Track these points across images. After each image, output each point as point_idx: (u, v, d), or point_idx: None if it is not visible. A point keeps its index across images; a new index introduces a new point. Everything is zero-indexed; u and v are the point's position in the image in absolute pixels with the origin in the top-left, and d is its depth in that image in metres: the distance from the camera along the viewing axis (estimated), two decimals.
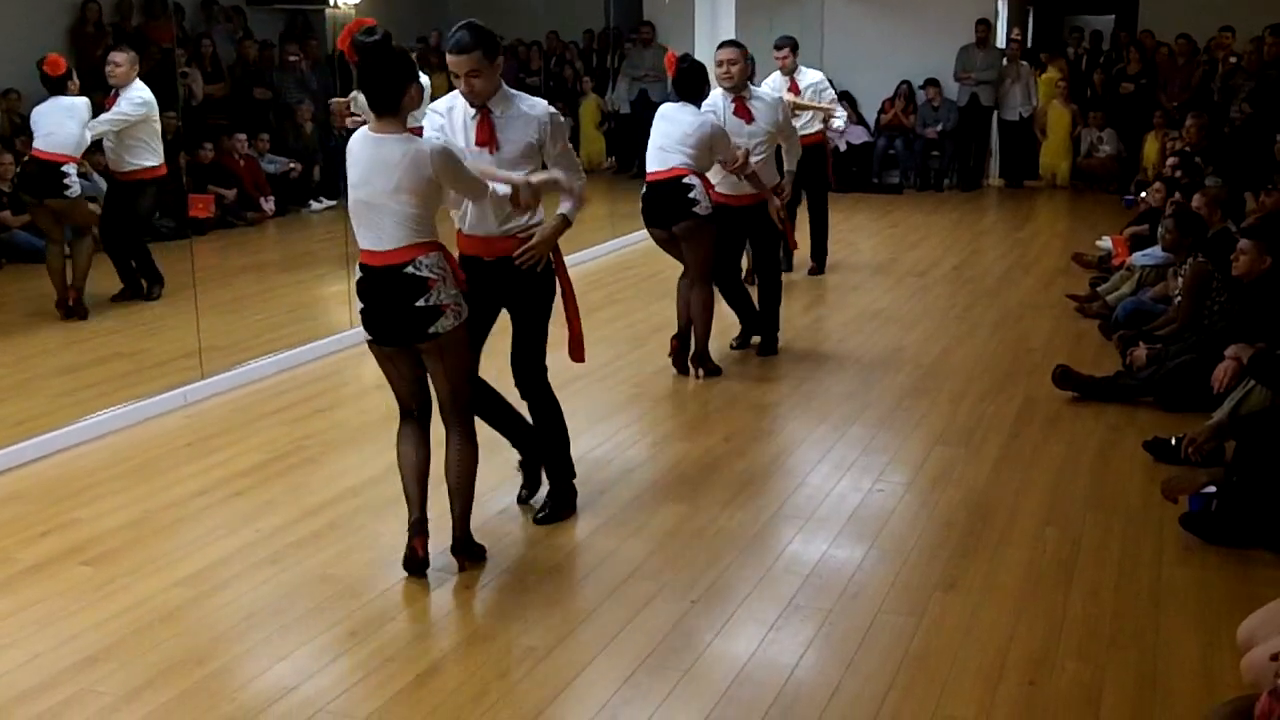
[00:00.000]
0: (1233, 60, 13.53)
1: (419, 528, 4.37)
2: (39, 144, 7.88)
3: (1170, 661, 3.82)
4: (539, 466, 5.09)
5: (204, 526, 4.84)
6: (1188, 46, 14.13)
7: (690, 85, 6.61)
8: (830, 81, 14.85)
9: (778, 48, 9.60)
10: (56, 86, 7.90)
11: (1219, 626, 3.96)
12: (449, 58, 4.44)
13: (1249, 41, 13.56)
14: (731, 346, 7.45)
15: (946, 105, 15.02)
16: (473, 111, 4.57)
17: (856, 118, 15.44)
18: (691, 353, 6.88)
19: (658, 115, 6.71)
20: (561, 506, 4.97)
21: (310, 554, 4.58)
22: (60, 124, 7.84)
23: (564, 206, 4.68)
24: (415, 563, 4.35)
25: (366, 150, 4.17)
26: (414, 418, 4.45)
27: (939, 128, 15.03)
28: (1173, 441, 5.45)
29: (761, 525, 4.86)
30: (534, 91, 14.19)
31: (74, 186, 7.86)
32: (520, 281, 4.67)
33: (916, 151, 15.21)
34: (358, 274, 4.27)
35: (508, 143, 4.55)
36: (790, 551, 4.62)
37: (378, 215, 4.15)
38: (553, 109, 4.67)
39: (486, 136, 4.54)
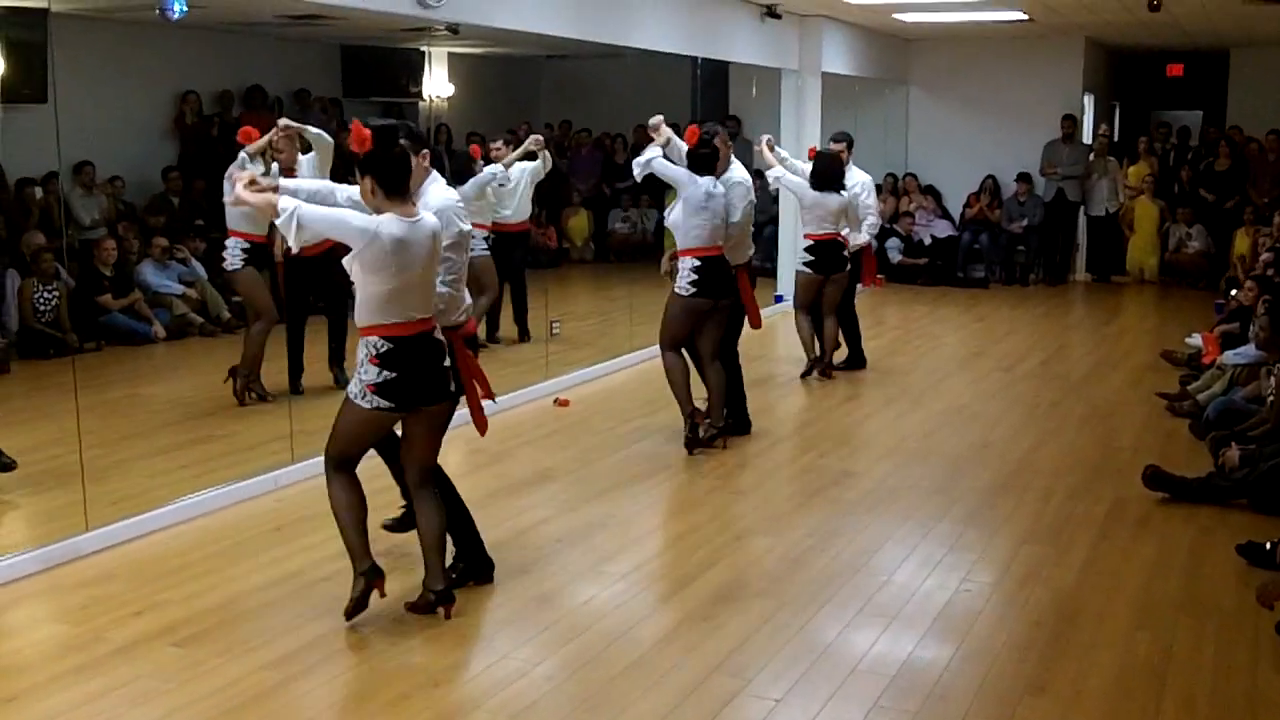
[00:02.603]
0: None
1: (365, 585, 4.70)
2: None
3: None
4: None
5: (292, 611, 4.90)
6: (1278, 142, 14.03)
7: (706, 160, 7.09)
8: (915, 178, 14.87)
9: (834, 141, 9.72)
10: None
11: None
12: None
13: None
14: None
15: (1032, 200, 14.98)
16: None
17: (941, 211, 15.46)
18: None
19: (702, 190, 7.01)
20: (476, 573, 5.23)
21: (394, 640, 4.61)
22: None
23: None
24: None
25: (411, 234, 4.42)
26: (353, 469, 4.79)
27: (1024, 222, 14.97)
28: (1267, 546, 5.34)
29: (846, 623, 4.81)
30: (619, 188, 14.42)
31: (229, 260, 8.04)
32: None
33: (1002, 245, 15.14)
34: (384, 347, 4.47)
35: None
36: (876, 651, 4.56)
37: (424, 289, 4.51)
38: None
39: None
